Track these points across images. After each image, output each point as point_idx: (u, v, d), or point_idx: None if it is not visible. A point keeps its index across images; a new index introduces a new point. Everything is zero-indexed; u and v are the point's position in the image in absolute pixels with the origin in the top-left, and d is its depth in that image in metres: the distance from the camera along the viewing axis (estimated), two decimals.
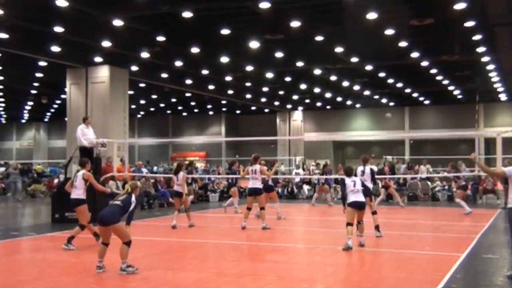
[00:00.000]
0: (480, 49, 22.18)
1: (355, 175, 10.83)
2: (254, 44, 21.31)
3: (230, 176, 18.98)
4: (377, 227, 11.36)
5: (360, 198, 10.17)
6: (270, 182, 15.36)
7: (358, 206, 10.17)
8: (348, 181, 10.32)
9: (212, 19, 19.56)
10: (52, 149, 54.21)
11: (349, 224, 10.02)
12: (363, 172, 11.49)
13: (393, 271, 8.45)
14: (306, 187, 24.50)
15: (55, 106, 42.58)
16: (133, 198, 8.16)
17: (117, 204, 8.03)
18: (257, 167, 13.08)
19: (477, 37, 20.36)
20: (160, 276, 7.83)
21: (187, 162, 23.12)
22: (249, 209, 13.10)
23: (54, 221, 14.59)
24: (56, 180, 25.76)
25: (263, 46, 21.75)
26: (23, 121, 55.51)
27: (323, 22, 19.72)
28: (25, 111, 48.21)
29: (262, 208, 12.99)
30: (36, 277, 7.82)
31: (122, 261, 7.91)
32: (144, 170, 23.06)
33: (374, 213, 11.47)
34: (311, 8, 18.33)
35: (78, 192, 10.51)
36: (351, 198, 10.19)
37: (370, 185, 11.57)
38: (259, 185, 13.10)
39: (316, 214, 17.73)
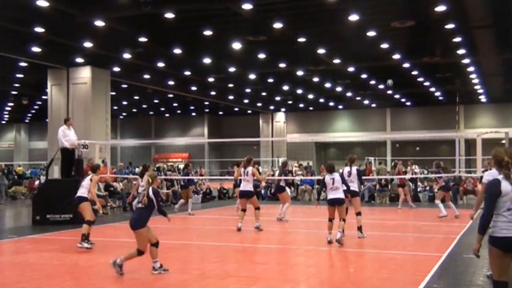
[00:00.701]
0: (461, 51, 22.47)
1: (342, 176, 10.85)
2: (236, 46, 21.33)
3: (182, 177, 18.93)
4: (359, 228, 11.40)
5: (338, 195, 10.46)
6: (282, 183, 15.67)
7: (336, 203, 10.49)
8: (328, 178, 10.61)
9: (195, 20, 19.54)
10: (33, 150, 53.59)
11: (329, 219, 10.57)
12: (349, 173, 11.38)
13: (375, 271, 8.51)
14: (288, 190, 24.48)
15: (36, 107, 42.13)
16: (151, 191, 7.76)
17: (140, 208, 7.78)
18: (249, 169, 12.84)
19: (457, 39, 20.63)
20: (143, 277, 7.78)
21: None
22: (243, 210, 12.90)
23: (35, 223, 14.41)
24: (37, 182, 25.46)
25: (246, 47, 21.78)
26: (3, 122, 54.84)
27: (306, 24, 19.83)
28: (5, 112, 47.62)
29: (257, 208, 12.87)
30: (16, 280, 7.72)
31: (153, 260, 7.84)
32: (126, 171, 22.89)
33: (358, 214, 11.45)
34: (293, 9, 18.40)
35: (82, 190, 10.58)
36: (329, 195, 10.57)
37: (356, 185, 11.61)
38: (250, 187, 12.92)
39: (300, 215, 17.77)
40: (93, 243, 10.19)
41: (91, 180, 10.64)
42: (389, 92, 35.74)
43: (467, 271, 8.26)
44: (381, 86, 33.17)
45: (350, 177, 11.21)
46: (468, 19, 18.28)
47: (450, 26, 18.79)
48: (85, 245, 9.97)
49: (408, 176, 21.93)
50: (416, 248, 10.90)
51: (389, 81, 22.55)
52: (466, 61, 24.88)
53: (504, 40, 21.36)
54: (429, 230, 13.38)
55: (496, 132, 16.19)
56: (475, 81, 30.76)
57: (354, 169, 11.47)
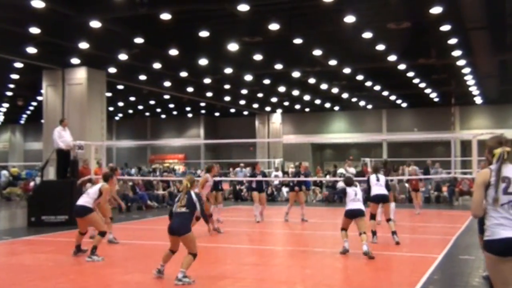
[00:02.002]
0: (456, 53, 22.52)
1: (368, 182, 11.55)
2: (232, 47, 21.31)
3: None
4: (394, 232, 10.97)
5: (359, 206, 9.91)
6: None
7: (355, 214, 9.88)
8: (350, 190, 10.07)
9: (191, 21, 19.52)
10: (28, 151, 53.38)
11: (343, 229, 9.99)
12: (378, 179, 11.42)
13: (371, 272, 8.51)
14: (285, 190, 24.54)
15: (31, 108, 41.97)
16: (193, 195, 7.57)
17: (182, 212, 7.51)
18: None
19: (453, 41, 20.68)
20: (139, 279, 7.76)
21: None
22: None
23: (30, 225, 14.36)
24: (32, 183, 25.38)
25: (242, 48, 21.77)
26: None
27: (302, 25, 19.84)
28: (0, 113, 47.42)
29: None
30: (11, 282, 7.69)
31: (181, 269, 7.35)
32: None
33: (389, 220, 11.25)
34: (289, 11, 18.41)
35: (87, 200, 9.72)
36: (349, 206, 9.95)
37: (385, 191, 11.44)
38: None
39: (295, 217, 17.76)
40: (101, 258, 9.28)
41: (100, 191, 9.84)
42: (385, 93, 35.79)
43: (463, 272, 8.27)
44: (377, 88, 33.24)
45: (380, 181, 11.36)
46: (464, 21, 18.32)
47: (445, 27, 18.84)
48: (96, 258, 9.09)
49: (405, 177, 21.91)
50: (412, 249, 10.92)
51: None
52: (461, 62, 24.93)
53: (499, 41, 21.42)
54: (425, 231, 13.40)
55: (492, 133, 16.24)
56: (471, 82, 30.83)
57: (382, 176, 11.54)
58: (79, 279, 7.80)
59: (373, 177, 11.39)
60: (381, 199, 11.24)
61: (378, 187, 11.21)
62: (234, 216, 17.88)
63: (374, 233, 11.07)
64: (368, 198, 11.69)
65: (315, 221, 13.50)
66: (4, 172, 29.80)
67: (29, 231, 13.55)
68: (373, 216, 11.29)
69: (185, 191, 7.60)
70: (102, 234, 9.52)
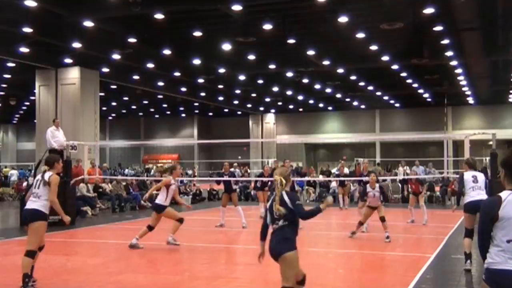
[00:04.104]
0: (448, 53, 22.63)
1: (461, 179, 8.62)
2: (226, 47, 21.32)
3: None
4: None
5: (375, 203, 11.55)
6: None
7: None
8: (370, 189, 11.59)
9: (184, 21, 19.52)
10: (20, 151, 53.18)
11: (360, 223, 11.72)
12: (475, 179, 8.33)
13: (364, 272, 8.54)
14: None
15: (24, 108, 41.81)
16: (286, 196, 5.21)
17: (282, 227, 5.19)
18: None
19: (445, 41, 20.78)
20: (133, 279, 7.76)
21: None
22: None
23: (23, 225, 14.28)
24: (25, 183, 25.27)
25: (235, 48, 21.78)
26: None
27: (295, 25, 19.88)
28: None
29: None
30: (4, 283, 7.66)
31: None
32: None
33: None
34: (283, 11, 18.45)
35: (160, 198, 10.54)
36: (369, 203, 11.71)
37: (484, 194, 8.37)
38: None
39: None
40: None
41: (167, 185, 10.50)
42: (378, 93, 35.88)
43: (455, 271, 8.32)
44: (370, 88, 33.33)
45: (478, 183, 8.26)
46: (456, 22, 18.43)
47: (438, 28, 18.93)
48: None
49: (399, 177, 21.94)
50: (405, 248, 10.97)
51: None
52: (454, 63, 25.06)
53: (491, 42, 21.56)
54: (418, 231, 13.45)
55: (484, 133, 16.37)
56: (463, 83, 30.99)
57: (481, 174, 8.52)
58: (72, 279, 7.78)
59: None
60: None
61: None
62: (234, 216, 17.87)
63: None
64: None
65: (308, 221, 13.55)
66: None
67: (21, 232, 13.47)
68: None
69: (280, 190, 5.31)
70: (181, 220, 10.66)
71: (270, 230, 5.25)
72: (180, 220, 10.73)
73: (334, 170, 24.62)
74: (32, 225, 6.92)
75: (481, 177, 8.29)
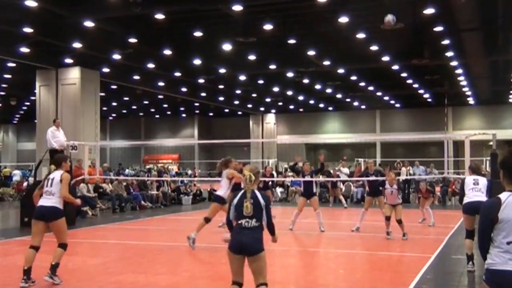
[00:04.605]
0: (449, 54, 22.64)
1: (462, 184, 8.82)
2: (226, 47, 21.33)
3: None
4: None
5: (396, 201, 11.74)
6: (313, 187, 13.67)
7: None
8: (388, 189, 11.82)
9: (185, 21, 19.54)
10: (21, 151, 53.21)
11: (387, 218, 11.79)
12: (476, 182, 8.39)
13: (365, 272, 8.54)
14: (279, 190, 24.56)
15: (24, 108, 41.83)
16: (259, 195, 5.29)
17: (256, 227, 5.23)
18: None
19: (445, 42, 20.80)
20: (133, 280, 7.75)
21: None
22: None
23: (23, 225, 14.29)
24: (25, 183, 25.28)
25: (236, 48, 21.79)
26: None
27: (296, 26, 19.89)
28: None
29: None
30: (4, 283, 7.66)
31: None
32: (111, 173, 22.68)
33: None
34: (283, 11, 18.46)
35: (221, 192, 10.66)
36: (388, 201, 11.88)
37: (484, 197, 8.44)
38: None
39: (290, 216, 17.79)
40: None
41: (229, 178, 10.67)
42: (379, 94, 35.88)
43: (455, 272, 8.32)
44: (370, 88, 33.33)
45: (478, 185, 8.27)
46: (456, 22, 18.43)
47: (438, 28, 18.93)
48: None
49: (402, 177, 21.86)
50: (405, 249, 10.96)
51: (389, 19, 17.22)
52: (454, 63, 25.07)
53: (492, 42, 21.56)
54: (419, 232, 13.44)
55: (484, 133, 16.35)
56: (463, 83, 30.99)
57: (483, 179, 8.50)
58: (72, 280, 7.78)
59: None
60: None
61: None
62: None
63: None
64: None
65: (309, 221, 13.53)
66: None
67: (22, 232, 13.48)
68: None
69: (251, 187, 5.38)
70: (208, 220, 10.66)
71: (234, 224, 5.29)
72: None
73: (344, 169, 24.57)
74: (55, 224, 7.36)
75: (482, 180, 8.34)
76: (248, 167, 5.47)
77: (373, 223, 13.30)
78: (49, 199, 7.32)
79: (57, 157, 8.09)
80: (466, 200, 8.19)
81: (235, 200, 5.29)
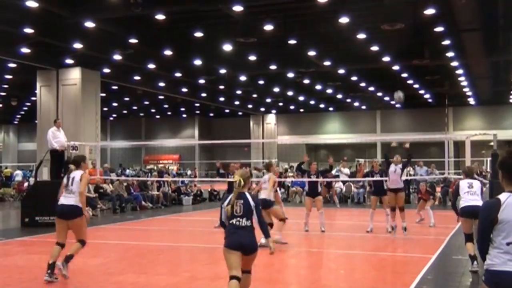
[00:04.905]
0: (449, 54, 22.63)
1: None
2: (227, 47, 21.33)
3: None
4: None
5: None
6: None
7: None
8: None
9: (185, 21, 19.53)
10: (22, 152, 53.24)
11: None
12: (471, 185, 8.58)
13: (365, 273, 8.54)
14: (279, 190, 24.51)
15: (25, 108, 41.83)
16: (249, 196, 5.69)
17: (249, 226, 5.59)
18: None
19: (446, 42, 20.78)
20: (133, 280, 7.76)
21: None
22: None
23: (24, 225, 14.31)
24: (26, 184, 25.29)
25: (236, 49, 21.79)
26: None
27: (296, 26, 19.88)
28: None
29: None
30: (4, 283, 7.66)
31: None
32: (112, 174, 22.63)
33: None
34: (283, 11, 18.45)
35: (265, 193, 10.75)
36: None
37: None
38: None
39: (291, 216, 17.81)
40: None
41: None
42: (379, 94, 35.86)
43: (456, 272, 8.31)
44: (371, 88, 33.33)
45: (473, 189, 8.37)
46: (457, 22, 18.42)
47: (439, 29, 18.93)
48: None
49: (403, 177, 21.79)
50: (406, 249, 10.96)
51: (399, 95, 16.83)
52: (454, 63, 25.06)
53: (492, 42, 21.55)
54: (419, 232, 13.44)
55: (485, 134, 16.35)
56: (464, 83, 30.98)
57: (477, 182, 8.72)
58: (72, 280, 7.78)
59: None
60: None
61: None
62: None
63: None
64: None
65: (311, 222, 13.53)
66: None
67: (22, 232, 13.50)
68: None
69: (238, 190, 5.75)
70: (284, 220, 10.66)
71: (227, 224, 5.68)
72: (283, 220, 10.72)
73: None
74: (75, 222, 7.67)
75: (477, 184, 8.50)
76: (239, 172, 5.90)
77: (374, 224, 13.29)
78: (69, 198, 7.67)
79: (75, 158, 8.46)
80: (463, 203, 8.24)
81: (226, 202, 5.70)
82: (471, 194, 8.28)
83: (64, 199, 7.70)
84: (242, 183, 5.69)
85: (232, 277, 5.51)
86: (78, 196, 7.64)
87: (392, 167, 12.14)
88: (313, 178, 13.01)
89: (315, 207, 12.93)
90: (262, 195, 10.77)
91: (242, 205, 5.56)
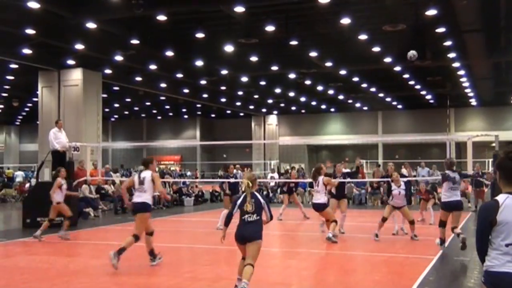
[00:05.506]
0: (451, 55, 22.62)
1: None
2: (228, 48, 21.34)
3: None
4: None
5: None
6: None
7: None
8: (395, 189, 11.75)
9: (187, 22, 19.56)
10: (23, 153, 53.30)
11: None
12: (455, 180, 9.66)
13: (367, 274, 8.53)
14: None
15: (27, 109, 41.91)
16: (259, 196, 6.66)
17: (256, 220, 6.51)
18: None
19: (448, 43, 20.78)
20: (135, 281, 7.75)
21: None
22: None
23: (25, 226, 14.32)
24: (27, 185, 25.31)
25: (238, 50, 21.80)
26: None
27: (297, 27, 19.89)
28: None
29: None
30: (6, 284, 7.67)
31: (244, 280, 6.31)
32: (114, 175, 22.63)
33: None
34: (285, 13, 18.45)
35: (318, 196, 10.93)
36: (394, 200, 11.78)
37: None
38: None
39: (291, 218, 17.80)
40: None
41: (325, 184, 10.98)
42: (381, 95, 35.85)
43: (458, 274, 8.30)
44: (372, 89, 33.31)
45: (456, 184, 9.51)
46: (458, 23, 18.41)
47: (440, 30, 18.93)
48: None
49: (405, 178, 21.76)
50: (407, 250, 10.94)
51: (413, 53, 16.71)
52: (456, 64, 25.05)
53: (494, 43, 21.54)
54: (421, 233, 13.42)
55: (487, 135, 16.33)
56: (466, 84, 30.97)
57: (457, 175, 9.65)
58: (74, 281, 7.79)
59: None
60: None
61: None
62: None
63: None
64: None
65: (312, 222, 13.53)
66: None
67: (24, 233, 13.50)
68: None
69: (247, 193, 6.63)
70: (336, 221, 11.05)
71: (236, 219, 6.59)
72: (335, 221, 11.18)
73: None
74: (141, 216, 8.42)
75: (457, 177, 9.58)
76: (246, 175, 6.81)
77: (374, 225, 13.27)
78: (141, 196, 8.45)
79: (144, 160, 9.08)
80: (444, 199, 9.54)
81: (239, 201, 6.63)
82: (453, 189, 9.44)
83: (136, 198, 8.50)
84: (251, 184, 6.60)
85: (243, 258, 6.60)
86: (150, 194, 8.51)
87: (395, 190, 11.55)
88: (340, 179, 12.83)
89: (340, 209, 12.82)
90: (318, 200, 11.11)
91: (254, 203, 6.52)
